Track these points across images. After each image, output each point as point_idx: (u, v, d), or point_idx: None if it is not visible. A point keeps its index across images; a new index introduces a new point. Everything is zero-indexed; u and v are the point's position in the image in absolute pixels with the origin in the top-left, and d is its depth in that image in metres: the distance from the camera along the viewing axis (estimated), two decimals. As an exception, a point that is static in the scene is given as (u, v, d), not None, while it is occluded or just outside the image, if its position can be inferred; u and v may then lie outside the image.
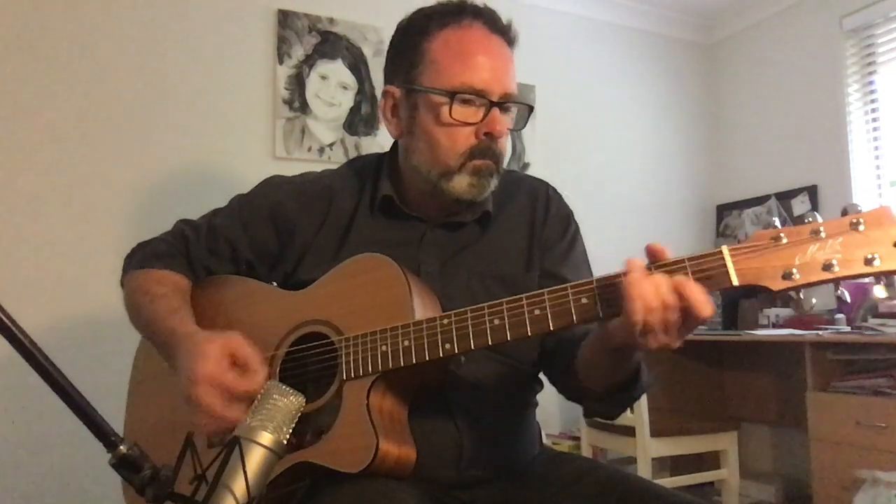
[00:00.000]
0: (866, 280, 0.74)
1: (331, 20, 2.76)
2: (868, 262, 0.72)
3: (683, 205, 3.64)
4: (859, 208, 0.74)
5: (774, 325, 2.98)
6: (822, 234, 0.74)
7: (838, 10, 3.15)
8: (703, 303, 0.74)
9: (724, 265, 0.76)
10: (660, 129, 3.62)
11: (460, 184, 1.03)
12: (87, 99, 2.34)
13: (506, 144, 1.07)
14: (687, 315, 0.75)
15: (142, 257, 1.15)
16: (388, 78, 1.12)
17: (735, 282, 0.75)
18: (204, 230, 1.15)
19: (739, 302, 3.25)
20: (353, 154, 2.72)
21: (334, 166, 1.24)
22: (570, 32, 3.39)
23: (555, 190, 1.20)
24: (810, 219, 0.76)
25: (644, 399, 2.49)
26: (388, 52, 1.13)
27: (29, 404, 2.11)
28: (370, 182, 1.14)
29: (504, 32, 1.06)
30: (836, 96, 3.16)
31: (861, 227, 0.73)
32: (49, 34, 2.30)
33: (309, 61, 2.72)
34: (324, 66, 2.74)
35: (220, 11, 2.59)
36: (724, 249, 0.76)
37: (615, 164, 3.45)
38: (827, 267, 0.73)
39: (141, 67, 2.43)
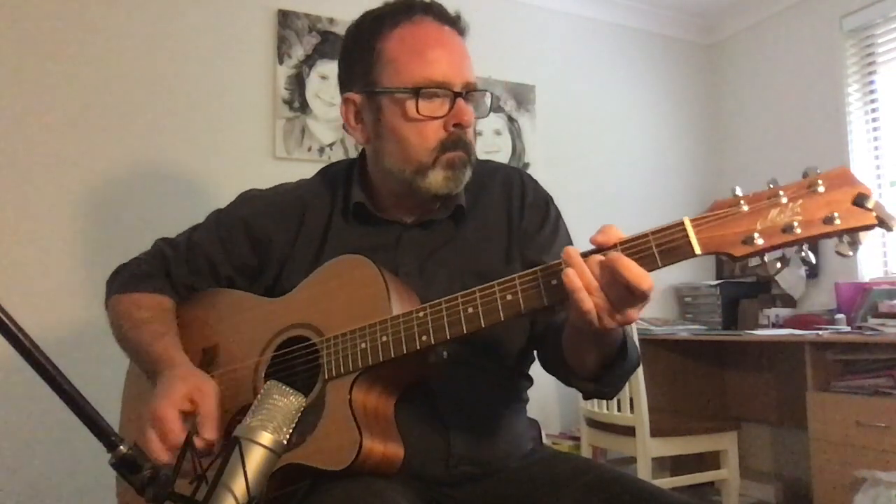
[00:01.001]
0: (828, 239, 0.74)
1: (331, 20, 2.76)
2: (828, 221, 0.72)
3: (683, 204, 3.62)
4: (818, 170, 0.74)
5: (774, 325, 2.97)
6: (783, 199, 0.74)
7: (838, 10, 3.15)
8: (639, 276, 0.75)
9: (686, 236, 0.76)
10: (660, 129, 3.62)
11: (436, 179, 1.03)
12: (86, 99, 2.34)
13: (473, 134, 1.07)
14: (628, 290, 0.76)
15: (123, 280, 1.16)
16: (345, 85, 1.10)
17: (698, 251, 0.76)
18: (183, 248, 1.16)
19: (739, 302, 3.25)
20: (353, 154, 2.71)
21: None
22: (570, 32, 3.38)
23: (529, 176, 1.19)
24: (772, 185, 0.76)
25: (644, 399, 2.49)
26: (340, 59, 1.12)
27: (29, 404, 2.10)
28: (342, 190, 1.14)
29: (454, 23, 1.06)
30: (836, 96, 3.15)
31: (820, 189, 0.73)
32: (47, 34, 2.30)
33: (309, 61, 2.72)
34: (324, 66, 2.74)
35: (220, 11, 2.59)
36: (686, 220, 0.77)
37: (615, 163, 3.44)
38: (787, 229, 0.73)
39: (140, 67, 2.43)
